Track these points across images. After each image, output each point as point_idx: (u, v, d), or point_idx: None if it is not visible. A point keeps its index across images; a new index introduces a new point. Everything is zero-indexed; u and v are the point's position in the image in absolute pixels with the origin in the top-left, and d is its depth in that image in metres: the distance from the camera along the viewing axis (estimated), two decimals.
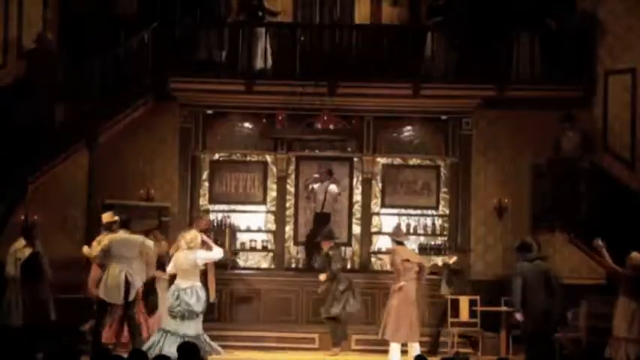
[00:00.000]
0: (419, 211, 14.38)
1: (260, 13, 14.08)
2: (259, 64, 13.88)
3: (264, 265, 14.40)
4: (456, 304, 12.27)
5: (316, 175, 14.11)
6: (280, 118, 13.42)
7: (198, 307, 10.01)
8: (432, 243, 14.21)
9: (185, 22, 13.89)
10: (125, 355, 6.72)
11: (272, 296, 13.40)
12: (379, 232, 14.26)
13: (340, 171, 14.43)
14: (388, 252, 12.32)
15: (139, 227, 11.63)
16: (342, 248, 13.73)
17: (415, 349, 10.86)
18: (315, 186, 13.97)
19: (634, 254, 10.25)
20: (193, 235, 10.40)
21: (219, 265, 12.32)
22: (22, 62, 13.51)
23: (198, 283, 10.16)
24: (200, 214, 13.62)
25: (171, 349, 9.11)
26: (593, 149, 13.50)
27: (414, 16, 14.60)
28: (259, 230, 14.37)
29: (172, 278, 10.44)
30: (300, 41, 14.06)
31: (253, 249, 14.28)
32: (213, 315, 12.48)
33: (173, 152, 14.17)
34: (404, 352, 11.10)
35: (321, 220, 13.66)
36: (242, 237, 14.30)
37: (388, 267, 12.37)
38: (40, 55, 13.26)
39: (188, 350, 6.83)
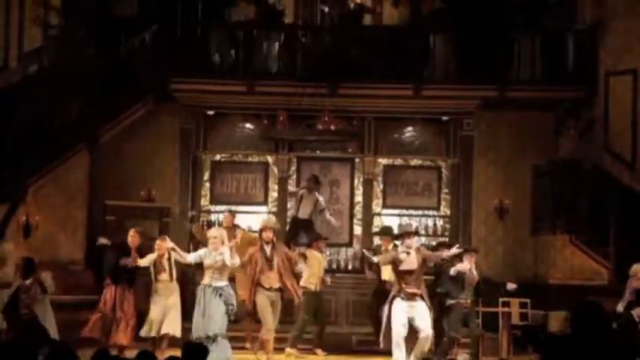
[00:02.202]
0: (420, 212, 14.37)
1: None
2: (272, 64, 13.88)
3: None
4: None
5: (304, 183, 13.77)
6: (281, 118, 13.39)
7: None
8: (433, 244, 14.16)
9: (187, 22, 13.91)
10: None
11: None
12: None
13: (341, 172, 14.44)
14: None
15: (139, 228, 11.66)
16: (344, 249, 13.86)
17: None
18: (303, 193, 13.44)
19: (635, 267, 10.23)
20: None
21: None
22: (23, 63, 13.53)
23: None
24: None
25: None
26: (594, 149, 13.50)
27: (415, 17, 14.60)
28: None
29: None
30: (301, 42, 14.07)
31: None
32: None
33: (174, 153, 14.20)
34: None
35: (304, 225, 13.33)
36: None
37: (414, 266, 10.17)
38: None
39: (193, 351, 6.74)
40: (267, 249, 10.75)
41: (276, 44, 14.01)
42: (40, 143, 12.62)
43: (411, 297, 9.81)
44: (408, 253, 9.94)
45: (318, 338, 12.05)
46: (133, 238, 10.86)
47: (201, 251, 10.21)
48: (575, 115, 13.45)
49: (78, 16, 14.06)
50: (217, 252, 9.99)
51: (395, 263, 10.00)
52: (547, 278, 13.15)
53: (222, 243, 10.04)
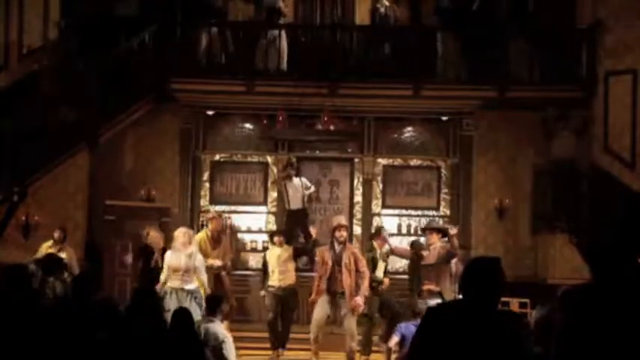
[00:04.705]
0: (419, 212, 14.37)
1: None
2: (273, 64, 13.82)
3: None
4: None
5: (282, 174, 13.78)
6: (281, 118, 13.40)
7: None
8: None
9: (187, 22, 13.91)
10: None
11: None
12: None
13: (341, 172, 14.45)
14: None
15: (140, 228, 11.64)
16: None
17: None
18: (286, 183, 13.49)
19: None
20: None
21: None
22: (23, 63, 13.54)
23: None
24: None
25: None
26: (589, 149, 13.51)
27: (415, 17, 14.60)
28: (260, 231, 14.37)
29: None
30: (301, 42, 14.08)
31: (254, 250, 14.28)
32: None
33: (174, 153, 14.21)
34: None
35: (299, 217, 13.33)
36: (243, 238, 14.31)
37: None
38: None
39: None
40: (338, 249, 10.08)
41: (276, 44, 14.00)
42: (40, 143, 12.62)
43: None
44: None
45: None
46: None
47: (167, 253, 9.95)
48: (565, 117, 13.45)
49: (78, 15, 14.07)
50: (184, 252, 9.72)
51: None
52: (547, 278, 13.15)
53: (190, 243, 9.81)
